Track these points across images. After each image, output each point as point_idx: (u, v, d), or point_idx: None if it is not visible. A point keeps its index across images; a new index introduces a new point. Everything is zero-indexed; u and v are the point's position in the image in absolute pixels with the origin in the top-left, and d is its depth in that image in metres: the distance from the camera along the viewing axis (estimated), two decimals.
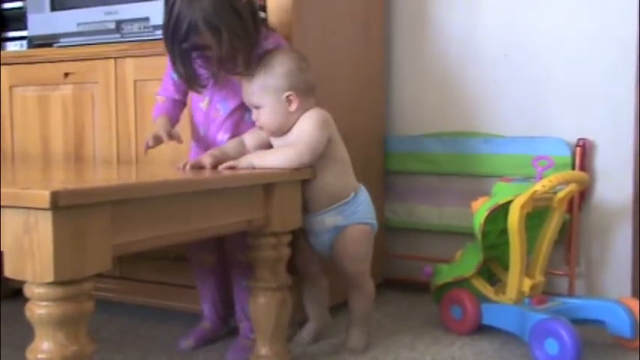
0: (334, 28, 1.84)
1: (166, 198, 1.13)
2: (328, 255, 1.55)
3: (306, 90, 1.46)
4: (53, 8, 1.93)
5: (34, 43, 1.99)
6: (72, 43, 1.92)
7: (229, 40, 1.38)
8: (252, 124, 1.51)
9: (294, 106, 1.44)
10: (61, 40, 1.94)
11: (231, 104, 1.53)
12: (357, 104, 1.98)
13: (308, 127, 1.43)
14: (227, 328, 1.71)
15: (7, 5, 2.08)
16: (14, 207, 0.95)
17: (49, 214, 0.92)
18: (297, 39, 1.62)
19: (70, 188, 0.95)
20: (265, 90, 1.43)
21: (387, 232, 2.19)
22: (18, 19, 2.04)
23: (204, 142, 1.56)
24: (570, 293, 1.91)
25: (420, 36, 2.15)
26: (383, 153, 2.16)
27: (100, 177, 1.37)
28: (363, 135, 2.02)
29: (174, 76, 1.52)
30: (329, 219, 1.50)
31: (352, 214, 1.51)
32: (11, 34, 2.06)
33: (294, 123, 1.46)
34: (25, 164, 1.78)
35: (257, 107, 1.45)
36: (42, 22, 1.94)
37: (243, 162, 1.41)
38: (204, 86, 1.50)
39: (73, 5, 1.90)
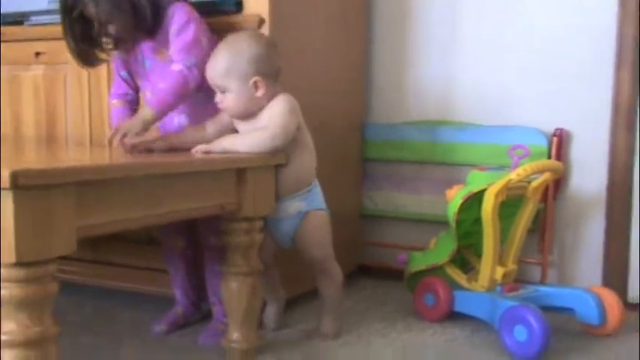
0: (312, 14, 1.82)
1: (134, 180, 1.12)
2: (287, 244, 1.55)
3: (274, 75, 1.44)
4: None
5: (4, 21, 1.93)
6: (43, 22, 1.86)
7: (107, 9, 1.39)
8: (206, 99, 1.48)
9: (260, 92, 1.42)
10: (32, 18, 1.88)
11: None
12: (337, 92, 1.97)
13: (280, 110, 1.41)
14: (200, 312, 1.70)
15: None
16: None
17: (9, 194, 0.91)
18: (275, 25, 1.59)
19: (30, 168, 0.93)
20: (231, 74, 1.40)
21: (364, 219, 2.19)
22: None
23: (165, 131, 1.55)
24: (543, 281, 1.93)
25: (400, 24, 2.14)
26: (361, 140, 2.15)
27: (71, 158, 1.34)
28: (342, 122, 2.01)
29: (123, 73, 1.56)
30: (294, 205, 1.49)
31: (312, 201, 1.52)
32: None
33: (260, 107, 1.44)
34: None
35: (221, 90, 1.43)
36: None
37: (216, 146, 1.40)
38: (97, 61, 1.51)
39: None
